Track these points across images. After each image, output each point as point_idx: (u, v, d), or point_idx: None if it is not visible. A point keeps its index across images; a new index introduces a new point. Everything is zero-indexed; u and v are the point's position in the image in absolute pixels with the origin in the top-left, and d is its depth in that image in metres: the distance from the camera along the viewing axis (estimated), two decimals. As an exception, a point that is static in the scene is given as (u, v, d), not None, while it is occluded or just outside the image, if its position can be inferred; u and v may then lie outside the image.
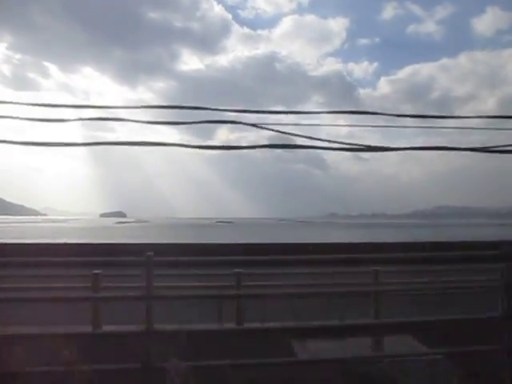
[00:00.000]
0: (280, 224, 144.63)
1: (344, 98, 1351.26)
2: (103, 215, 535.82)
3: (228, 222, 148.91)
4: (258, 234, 66.13)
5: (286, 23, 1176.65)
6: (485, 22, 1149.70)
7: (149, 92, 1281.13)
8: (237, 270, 6.99)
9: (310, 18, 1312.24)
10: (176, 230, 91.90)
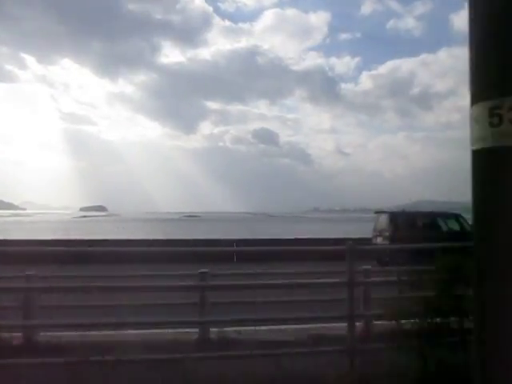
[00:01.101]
0: (248, 218, 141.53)
1: (327, 92, 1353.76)
2: (83, 209, 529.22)
3: (195, 217, 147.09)
4: (212, 228, 62.13)
5: (268, 17, 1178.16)
6: (463, 18, 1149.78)
7: (130, 85, 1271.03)
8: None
9: (292, 11, 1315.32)
10: (134, 223, 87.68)
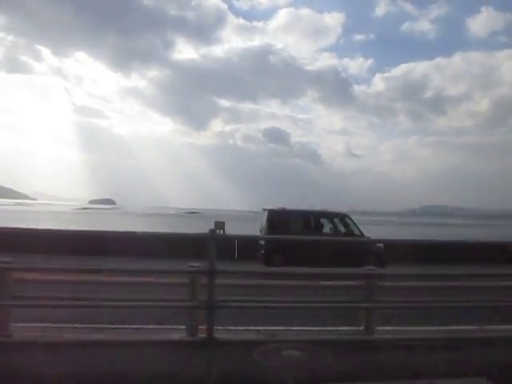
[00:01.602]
0: (248, 217, 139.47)
1: (339, 93, 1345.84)
2: (92, 202, 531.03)
3: (195, 213, 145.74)
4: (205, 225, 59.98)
5: (282, 16, 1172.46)
6: (479, 23, 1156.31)
7: (143, 80, 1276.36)
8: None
9: (306, 11, 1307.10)
10: (129, 217, 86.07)
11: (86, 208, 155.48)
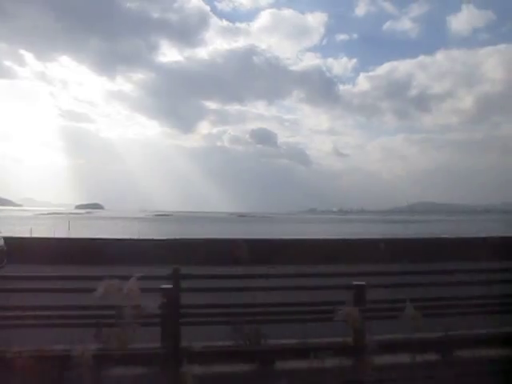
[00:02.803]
0: (229, 218, 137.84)
1: (324, 93, 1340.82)
2: (79, 207, 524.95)
3: (166, 216, 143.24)
4: (173, 227, 58.74)
5: (265, 17, 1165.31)
6: (461, 20, 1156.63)
7: (128, 83, 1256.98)
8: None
9: (288, 12, 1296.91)
10: (104, 221, 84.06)
11: (54, 213, 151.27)
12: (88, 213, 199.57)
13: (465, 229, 56.34)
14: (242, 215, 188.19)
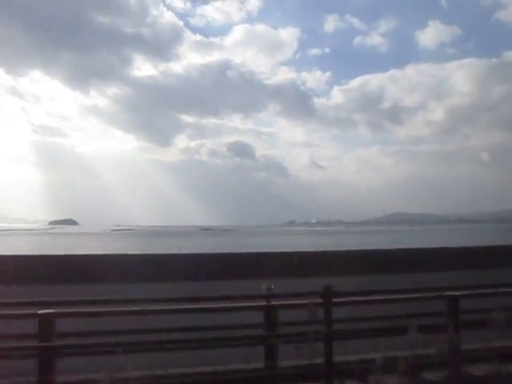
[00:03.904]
0: (192, 232, 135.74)
1: (300, 106, 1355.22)
2: (52, 223, 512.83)
3: (127, 230, 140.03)
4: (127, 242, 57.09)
5: (238, 32, 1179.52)
6: (428, 36, 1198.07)
7: (102, 97, 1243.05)
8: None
9: (261, 27, 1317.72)
10: (60, 237, 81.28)
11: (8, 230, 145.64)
12: (51, 228, 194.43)
13: (424, 239, 55.71)
14: (206, 228, 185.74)
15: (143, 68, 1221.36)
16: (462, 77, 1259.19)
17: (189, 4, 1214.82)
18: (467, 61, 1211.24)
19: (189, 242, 60.81)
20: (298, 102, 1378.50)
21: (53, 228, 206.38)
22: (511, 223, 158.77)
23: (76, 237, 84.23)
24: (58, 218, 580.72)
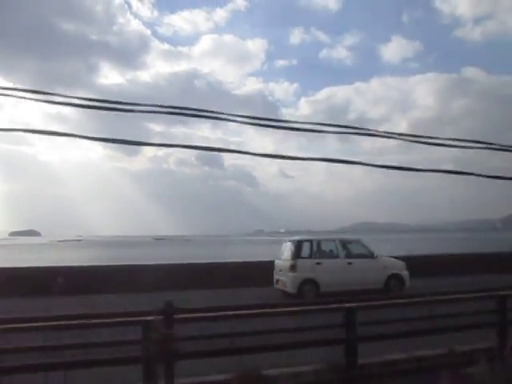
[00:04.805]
0: (145, 242, 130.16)
1: (268, 116, 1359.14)
2: (13, 233, 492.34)
3: (75, 241, 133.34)
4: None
5: (205, 42, 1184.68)
6: (391, 50, 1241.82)
7: (68, 105, 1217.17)
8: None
9: (229, 37, 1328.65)
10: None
11: None
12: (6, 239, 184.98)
13: (383, 247, 52.58)
14: (160, 238, 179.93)
15: (110, 76, 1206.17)
16: (424, 90, 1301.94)
17: (156, 13, 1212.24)
18: (429, 75, 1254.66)
19: (120, 252, 55.74)
20: (266, 112, 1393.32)
21: (14, 239, 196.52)
22: (477, 232, 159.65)
23: (8, 249, 78.27)
24: (19, 229, 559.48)
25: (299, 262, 12.69)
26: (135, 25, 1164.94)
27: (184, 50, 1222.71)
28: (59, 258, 40.92)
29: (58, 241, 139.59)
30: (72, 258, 42.32)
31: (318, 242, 13.47)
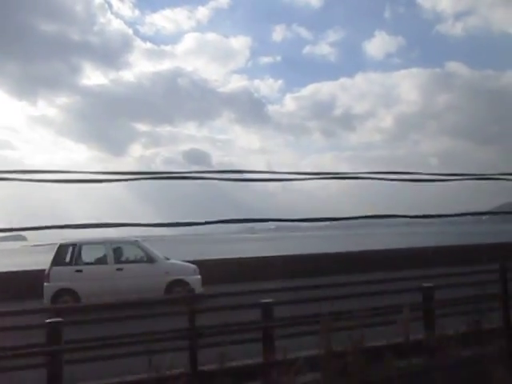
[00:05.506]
0: None
1: (254, 113, 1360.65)
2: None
3: (54, 244, 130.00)
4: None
5: (188, 40, 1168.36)
6: (375, 46, 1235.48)
7: (51, 107, 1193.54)
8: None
9: (212, 35, 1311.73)
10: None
11: None
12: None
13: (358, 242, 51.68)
14: (144, 239, 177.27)
15: (93, 76, 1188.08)
16: (408, 85, 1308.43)
17: (137, 12, 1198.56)
18: (413, 70, 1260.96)
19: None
20: (252, 110, 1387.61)
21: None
22: (463, 225, 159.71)
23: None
24: (5, 234, 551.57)
25: (54, 269, 11.67)
26: (116, 24, 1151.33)
27: (167, 48, 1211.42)
28: (20, 263, 38.86)
29: (32, 245, 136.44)
30: (35, 262, 40.11)
31: (81, 246, 12.34)
